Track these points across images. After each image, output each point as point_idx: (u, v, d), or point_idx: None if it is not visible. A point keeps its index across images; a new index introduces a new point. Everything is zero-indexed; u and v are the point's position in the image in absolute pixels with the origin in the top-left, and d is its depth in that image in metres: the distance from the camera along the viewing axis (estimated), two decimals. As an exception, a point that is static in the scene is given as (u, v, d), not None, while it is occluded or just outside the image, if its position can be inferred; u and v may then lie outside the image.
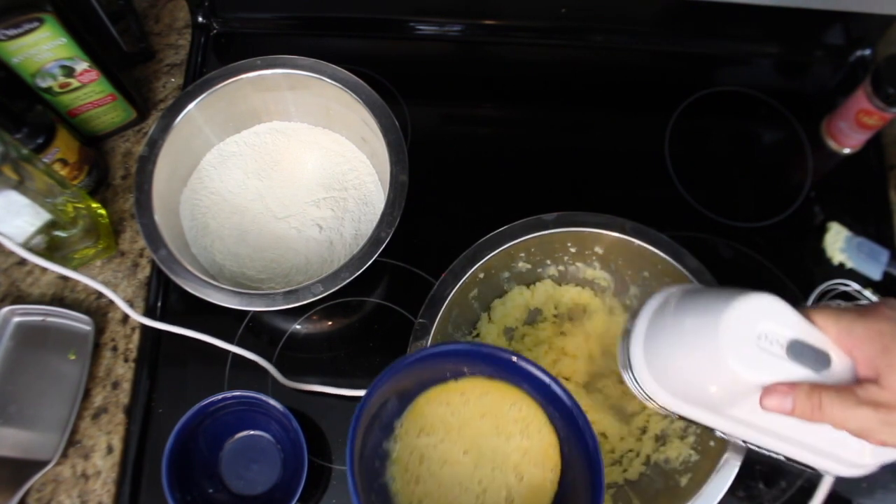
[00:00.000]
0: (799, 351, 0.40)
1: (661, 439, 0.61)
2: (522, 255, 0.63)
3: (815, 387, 0.39)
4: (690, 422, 0.46)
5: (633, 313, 0.49)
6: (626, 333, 0.48)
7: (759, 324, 0.40)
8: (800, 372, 0.40)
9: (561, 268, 0.66)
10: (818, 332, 0.41)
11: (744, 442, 0.46)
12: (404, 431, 0.49)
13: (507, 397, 0.49)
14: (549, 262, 0.65)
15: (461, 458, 0.48)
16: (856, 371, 0.40)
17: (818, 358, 0.40)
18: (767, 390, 0.40)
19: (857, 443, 0.41)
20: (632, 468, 0.60)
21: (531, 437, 0.49)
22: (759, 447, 0.45)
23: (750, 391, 0.41)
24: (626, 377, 0.48)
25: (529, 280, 0.66)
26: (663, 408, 0.46)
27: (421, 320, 0.58)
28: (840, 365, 0.40)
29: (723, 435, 0.46)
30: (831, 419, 0.39)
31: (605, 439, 0.62)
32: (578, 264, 0.65)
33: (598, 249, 0.63)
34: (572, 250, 0.64)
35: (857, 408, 0.38)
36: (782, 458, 0.45)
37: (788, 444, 0.44)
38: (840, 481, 0.64)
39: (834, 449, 0.43)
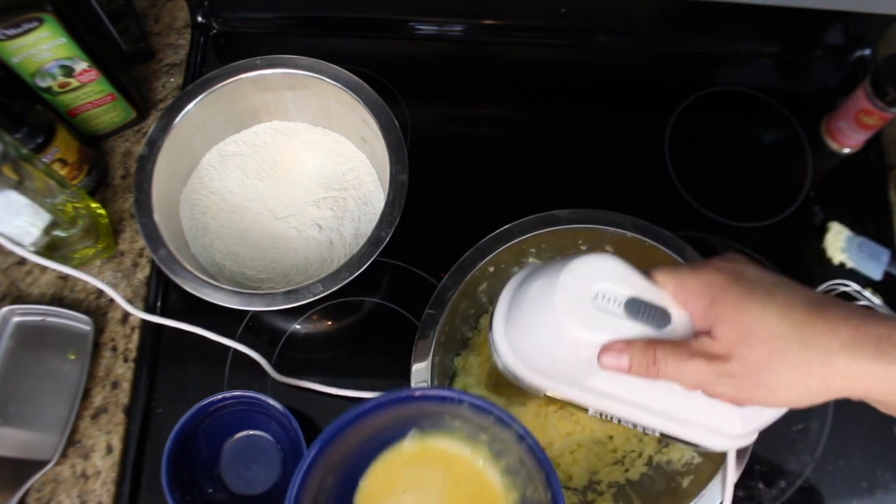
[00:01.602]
0: (637, 309, 0.39)
1: (663, 440, 0.61)
2: (533, 250, 0.63)
3: (651, 342, 0.38)
4: (563, 402, 0.44)
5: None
6: (491, 313, 0.46)
7: (596, 284, 0.39)
8: (640, 330, 0.39)
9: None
10: (658, 290, 0.40)
11: (618, 421, 0.44)
12: None
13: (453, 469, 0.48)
14: (558, 258, 0.65)
15: None
16: (693, 326, 0.40)
17: (657, 315, 0.39)
18: (604, 349, 0.39)
19: (725, 411, 0.41)
20: (633, 468, 0.60)
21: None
22: (633, 424, 0.44)
23: (595, 353, 0.40)
24: (496, 358, 0.46)
25: None
26: (532, 387, 0.44)
27: (430, 311, 0.58)
28: (680, 321, 0.40)
29: (595, 414, 0.44)
30: (667, 374, 0.38)
31: (609, 440, 0.62)
32: None
33: (609, 248, 0.63)
34: (583, 248, 0.64)
35: (691, 360, 0.38)
36: (657, 433, 0.44)
37: (659, 418, 0.43)
38: (839, 482, 0.64)
39: (703, 419, 0.42)
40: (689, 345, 0.38)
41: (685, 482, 0.56)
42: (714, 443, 0.43)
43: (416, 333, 0.58)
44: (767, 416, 0.42)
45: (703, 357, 0.38)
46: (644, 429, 0.44)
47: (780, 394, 0.37)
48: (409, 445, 0.48)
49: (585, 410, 0.45)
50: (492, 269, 0.61)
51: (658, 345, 0.38)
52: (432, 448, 0.48)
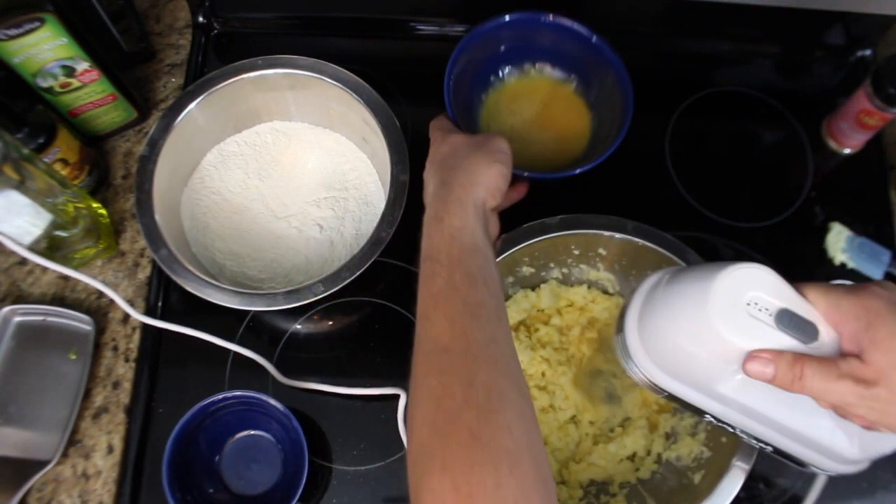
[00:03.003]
0: (787, 320, 0.40)
1: (671, 437, 0.61)
2: (526, 259, 0.63)
3: (799, 356, 0.39)
4: (682, 404, 0.45)
5: (629, 296, 0.49)
6: (621, 315, 0.48)
7: (749, 292, 0.40)
8: (787, 342, 0.39)
9: (565, 270, 0.66)
10: (808, 305, 0.41)
11: (732, 429, 0.45)
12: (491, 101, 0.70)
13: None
14: (552, 265, 0.65)
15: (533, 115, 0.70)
16: (841, 346, 0.40)
17: (806, 329, 0.40)
18: (751, 355, 0.40)
19: (845, 434, 0.41)
20: (644, 467, 0.60)
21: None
22: (747, 435, 0.45)
23: (737, 359, 0.40)
24: (622, 358, 0.48)
25: (533, 283, 0.66)
26: (656, 385, 0.46)
27: None
28: (827, 338, 0.40)
29: (712, 420, 0.46)
30: (811, 390, 0.39)
31: (610, 435, 0.62)
32: (583, 266, 0.65)
33: (602, 251, 0.63)
34: (576, 252, 0.64)
35: (839, 381, 0.38)
36: (770, 449, 0.45)
37: (776, 432, 0.43)
38: (840, 482, 0.64)
39: (822, 439, 0.42)
40: (838, 364, 0.39)
41: (697, 478, 0.56)
42: (827, 465, 0.44)
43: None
44: (888, 444, 0.42)
45: (852, 378, 0.38)
46: (758, 441, 0.45)
47: None
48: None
49: (700, 416, 0.46)
50: None
51: (806, 359, 0.39)
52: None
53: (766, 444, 0.45)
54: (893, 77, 0.66)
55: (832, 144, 0.77)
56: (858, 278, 0.69)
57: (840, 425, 0.41)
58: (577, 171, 0.62)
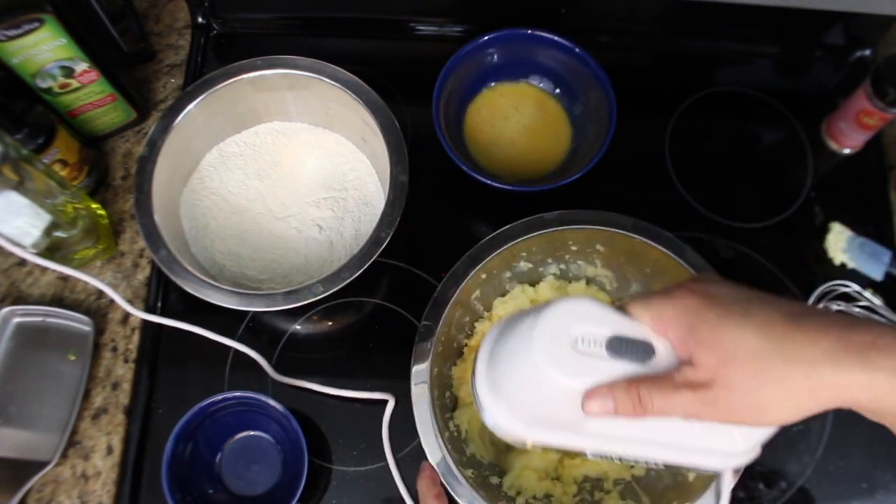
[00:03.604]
0: (619, 347, 0.38)
1: None
2: (524, 254, 0.63)
3: (633, 382, 0.38)
4: (565, 451, 0.44)
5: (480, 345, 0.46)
6: (472, 372, 0.45)
7: (574, 327, 0.38)
8: (626, 368, 0.38)
9: (562, 266, 0.66)
10: (637, 325, 0.39)
11: (620, 460, 0.43)
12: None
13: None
14: (550, 260, 0.65)
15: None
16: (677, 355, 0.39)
17: (640, 349, 0.38)
18: (588, 395, 0.38)
19: (724, 431, 0.40)
20: (638, 464, 0.60)
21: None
22: (635, 460, 0.43)
23: (581, 399, 0.39)
24: (483, 416, 0.43)
25: (531, 279, 0.66)
26: (519, 440, 0.43)
27: (425, 322, 0.58)
28: (664, 352, 0.39)
29: (595, 456, 0.43)
30: (655, 411, 0.37)
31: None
32: (580, 262, 0.65)
33: (600, 247, 0.63)
34: (574, 248, 0.64)
35: (676, 394, 0.37)
36: (661, 465, 0.44)
37: (660, 449, 0.42)
38: (840, 482, 0.64)
39: (704, 443, 0.41)
40: (671, 378, 0.37)
41: (691, 476, 0.56)
42: (720, 464, 0.43)
43: (415, 335, 0.58)
44: (767, 429, 0.41)
45: (688, 387, 0.37)
46: (647, 462, 0.43)
47: (770, 412, 0.36)
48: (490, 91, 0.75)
49: (584, 455, 0.44)
50: (484, 275, 0.61)
51: (640, 383, 0.38)
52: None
53: (654, 461, 0.43)
54: (893, 77, 0.66)
55: (832, 144, 0.76)
56: (859, 278, 0.69)
57: (714, 424, 0.39)
58: (560, 183, 0.65)
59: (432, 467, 0.55)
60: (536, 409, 0.41)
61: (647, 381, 0.38)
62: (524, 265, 0.65)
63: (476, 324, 0.65)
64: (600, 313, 0.39)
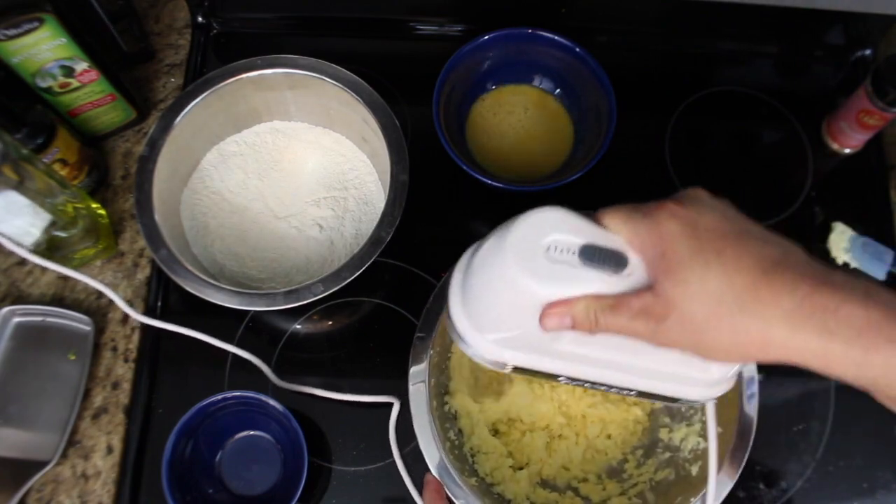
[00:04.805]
0: (592, 255, 0.37)
1: (667, 426, 0.61)
2: None
3: (592, 300, 0.37)
4: (531, 373, 0.43)
5: (449, 270, 0.45)
6: (446, 293, 0.44)
7: (548, 236, 0.38)
8: (598, 277, 0.37)
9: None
10: (612, 235, 0.39)
11: (592, 385, 0.43)
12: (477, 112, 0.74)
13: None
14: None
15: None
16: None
17: (613, 259, 0.37)
18: (546, 310, 0.37)
19: (696, 358, 0.39)
20: (611, 391, 0.60)
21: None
22: (607, 387, 0.43)
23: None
24: (454, 338, 0.43)
25: None
26: (496, 362, 0.42)
27: (419, 334, 0.58)
28: (638, 264, 0.38)
29: (567, 381, 0.43)
30: (611, 330, 0.37)
31: (608, 440, 0.62)
32: None
33: None
34: None
35: (633, 320, 0.36)
36: (634, 393, 0.43)
37: (633, 375, 0.42)
38: (840, 482, 0.64)
39: (677, 370, 0.41)
40: (629, 302, 0.37)
41: (694, 469, 0.56)
42: (694, 394, 0.42)
43: (415, 335, 0.58)
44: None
45: (643, 315, 0.36)
46: (620, 391, 0.43)
47: (718, 355, 0.36)
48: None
49: (556, 380, 0.43)
50: None
51: (598, 303, 0.37)
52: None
53: (628, 389, 0.43)
54: (893, 77, 0.66)
55: (832, 144, 0.76)
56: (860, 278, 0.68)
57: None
58: (560, 182, 0.66)
59: (436, 479, 0.55)
60: (511, 327, 0.40)
61: (603, 301, 0.37)
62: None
63: None
64: (574, 223, 0.39)
